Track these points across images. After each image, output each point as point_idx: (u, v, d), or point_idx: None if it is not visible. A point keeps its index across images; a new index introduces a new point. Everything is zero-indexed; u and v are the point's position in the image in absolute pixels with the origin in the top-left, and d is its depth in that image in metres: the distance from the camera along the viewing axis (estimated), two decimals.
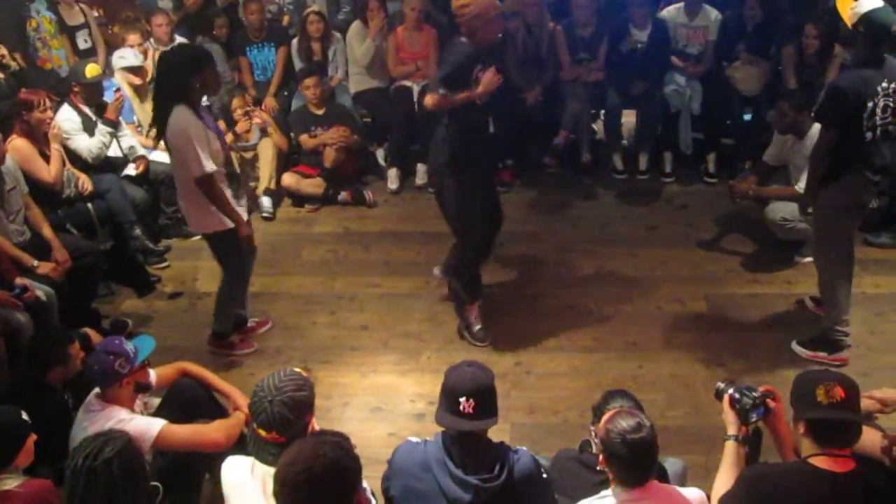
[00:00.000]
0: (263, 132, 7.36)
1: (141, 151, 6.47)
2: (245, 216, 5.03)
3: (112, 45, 7.21)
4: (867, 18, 4.46)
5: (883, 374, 4.69)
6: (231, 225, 4.87)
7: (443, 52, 5.10)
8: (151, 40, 7.26)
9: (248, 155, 7.38)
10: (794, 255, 6.13)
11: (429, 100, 5.02)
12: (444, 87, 4.88)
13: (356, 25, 7.71)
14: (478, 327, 5.43)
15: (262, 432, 3.03)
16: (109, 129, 6.20)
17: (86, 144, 6.10)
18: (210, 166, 4.67)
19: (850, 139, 4.64)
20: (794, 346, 5.23)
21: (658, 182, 7.49)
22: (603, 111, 7.70)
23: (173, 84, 4.68)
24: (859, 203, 4.95)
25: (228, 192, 4.87)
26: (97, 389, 3.75)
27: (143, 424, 3.63)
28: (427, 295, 5.92)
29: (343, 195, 7.26)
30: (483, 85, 4.86)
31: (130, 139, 6.50)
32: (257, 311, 5.70)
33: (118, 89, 6.41)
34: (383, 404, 4.93)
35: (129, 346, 3.77)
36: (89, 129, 6.15)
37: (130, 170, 6.36)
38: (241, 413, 3.88)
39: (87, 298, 5.50)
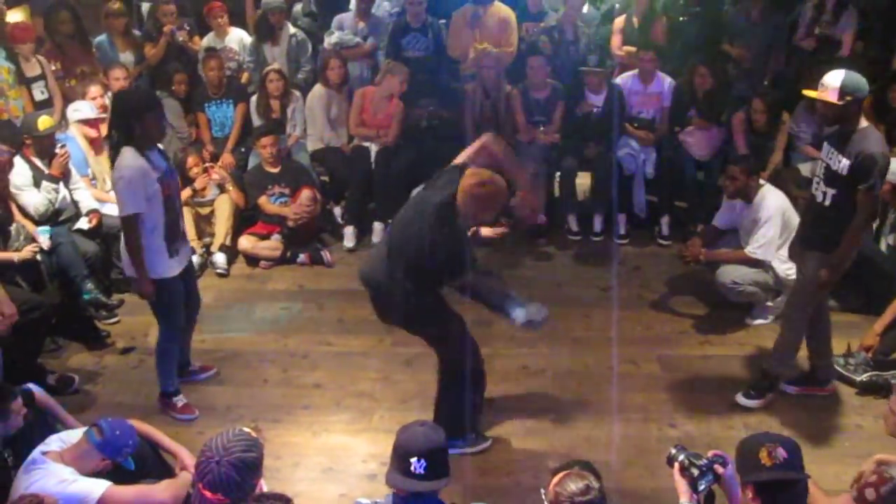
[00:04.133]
0: (220, 188, 7.32)
1: (94, 205, 6.40)
2: (178, 269, 4.96)
3: (70, 98, 7.16)
4: (850, 86, 4.48)
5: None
6: (154, 276, 4.83)
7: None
8: (110, 93, 7.25)
9: (205, 211, 7.33)
10: (746, 317, 6.20)
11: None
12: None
13: (318, 89, 7.78)
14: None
15: (207, 493, 2.97)
16: (54, 186, 6.11)
17: (33, 200, 6.01)
18: (134, 209, 4.67)
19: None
20: (740, 399, 5.30)
21: (612, 244, 7.56)
22: (558, 173, 7.80)
23: (117, 126, 4.81)
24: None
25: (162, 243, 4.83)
26: (42, 446, 3.66)
27: (86, 487, 3.55)
28: (381, 354, 5.88)
29: (302, 257, 7.23)
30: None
31: (84, 192, 6.43)
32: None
33: (63, 145, 6.30)
34: (335, 465, 4.85)
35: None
36: (40, 183, 6.08)
37: (83, 223, 6.26)
38: (187, 473, 3.81)
39: (33, 353, 5.38)
